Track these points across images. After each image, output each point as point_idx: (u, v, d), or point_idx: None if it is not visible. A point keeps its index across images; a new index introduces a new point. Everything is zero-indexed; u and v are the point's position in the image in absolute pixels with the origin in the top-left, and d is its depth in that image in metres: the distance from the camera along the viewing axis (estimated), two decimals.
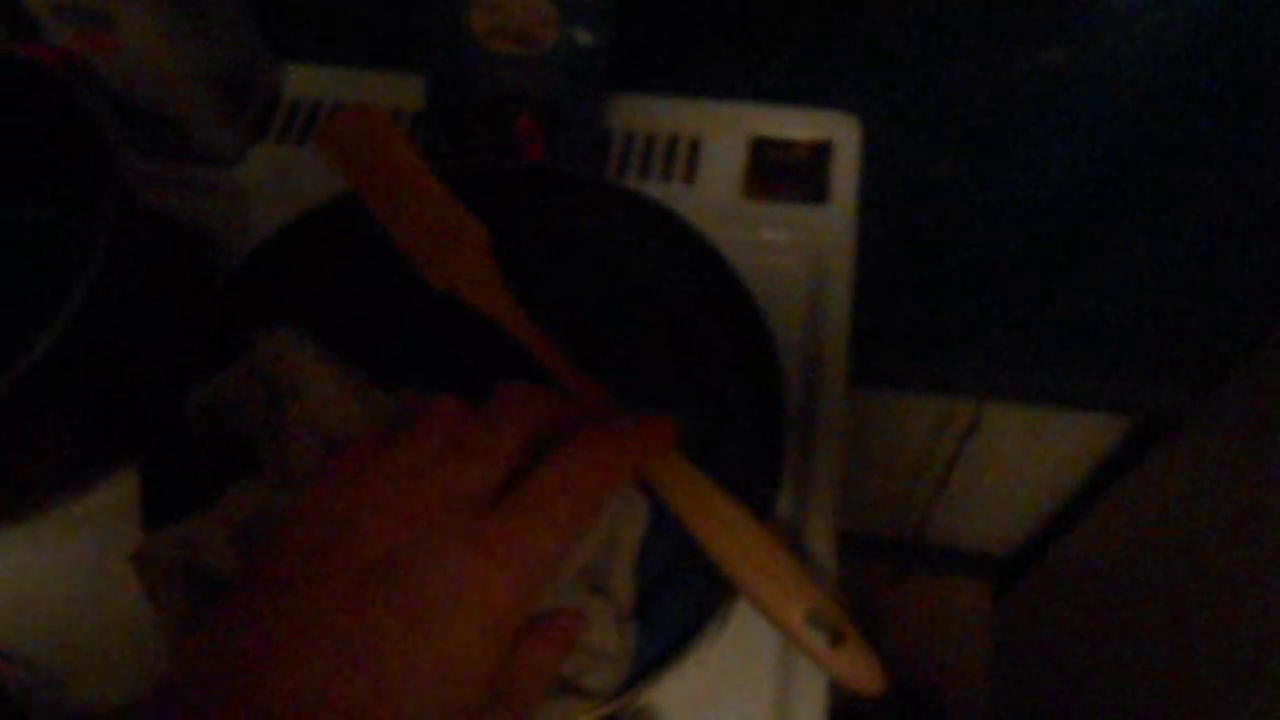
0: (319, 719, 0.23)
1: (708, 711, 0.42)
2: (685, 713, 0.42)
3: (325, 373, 0.37)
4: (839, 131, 0.55)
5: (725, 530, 0.34)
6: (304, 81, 0.59)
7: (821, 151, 0.55)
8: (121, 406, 0.45)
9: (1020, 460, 0.94)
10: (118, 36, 0.48)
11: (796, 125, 0.55)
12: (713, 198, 0.54)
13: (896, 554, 1.17)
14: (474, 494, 0.28)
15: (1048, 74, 0.50)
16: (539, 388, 0.33)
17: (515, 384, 0.32)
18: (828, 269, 0.51)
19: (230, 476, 0.38)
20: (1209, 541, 0.78)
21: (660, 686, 0.38)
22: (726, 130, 0.56)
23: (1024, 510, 1.06)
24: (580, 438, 0.30)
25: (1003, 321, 0.73)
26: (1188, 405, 0.78)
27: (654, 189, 0.53)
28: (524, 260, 0.46)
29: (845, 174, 0.54)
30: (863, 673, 0.32)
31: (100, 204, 0.40)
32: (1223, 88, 0.51)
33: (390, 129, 0.45)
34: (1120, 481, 0.91)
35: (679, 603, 0.38)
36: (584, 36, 0.49)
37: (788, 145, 0.55)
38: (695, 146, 0.55)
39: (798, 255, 0.52)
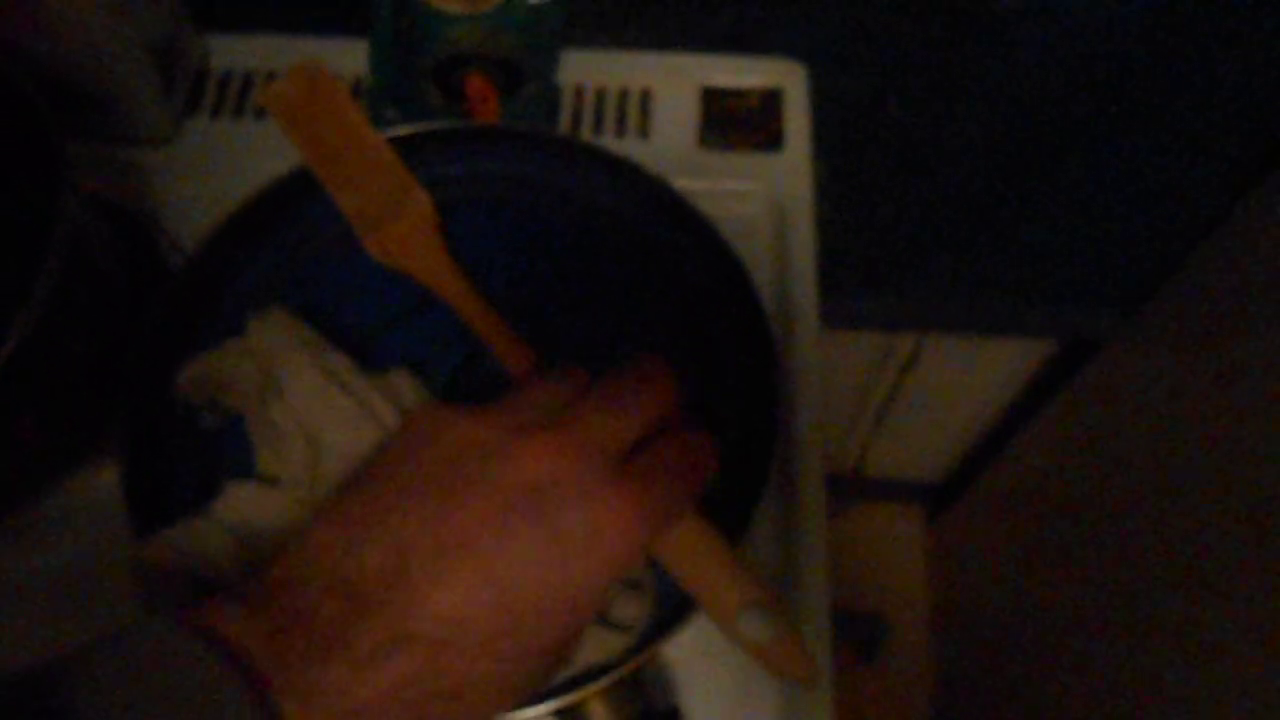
0: (456, 644, 0.24)
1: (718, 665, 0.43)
2: (698, 667, 0.42)
3: (310, 367, 0.35)
4: (787, 79, 0.56)
5: None
6: (232, 52, 0.57)
7: (772, 99, 0.55)
8: (93, 397, 0.43)
9: (955, 389, 0.97)
10: (45, 12, 0.45)
11: (745, 73, 0.56)
12: (669, 150, 0.54)
13: (835, 488, 1.20)
14: (616, 446, 0.28)
15: (998, 16, 0.51)
16: (669, 367, 0.33)
17: (655, 356, 0.33)
18: (788, 213, 0.52)
19: (212, 461, 0.37)
20: (1135, 454, 0.83)
21: (676, 638, 0.39)
22: (676, 81, 0.56)
23: (957, 437, 1.10)
24: (688, 434, 0.31)
25: (943, 254, 0.76)
26: (1114, 327, 0.82)
27: (610, 144, 0.53)
28: (485, 224, 0.45)
29: (797, 120, 0.55)
30: (796, 664, 0.32)
31: (54, 195, 0.38)
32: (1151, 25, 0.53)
33: (337, 90, 0.44)
34: (1049, 402, 0.96)
35: None
36: None
37: (738, 94, 0.55)
38: (646, 99, 0.55)
39: (758, 202, 0.53)
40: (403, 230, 0.42)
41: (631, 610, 0.34)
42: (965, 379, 0.95)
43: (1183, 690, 0.73)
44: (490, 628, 0.24)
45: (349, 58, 0.56)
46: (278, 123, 0.43)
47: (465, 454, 0.27)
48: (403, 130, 0.48)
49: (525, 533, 0.25)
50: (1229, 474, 0.70)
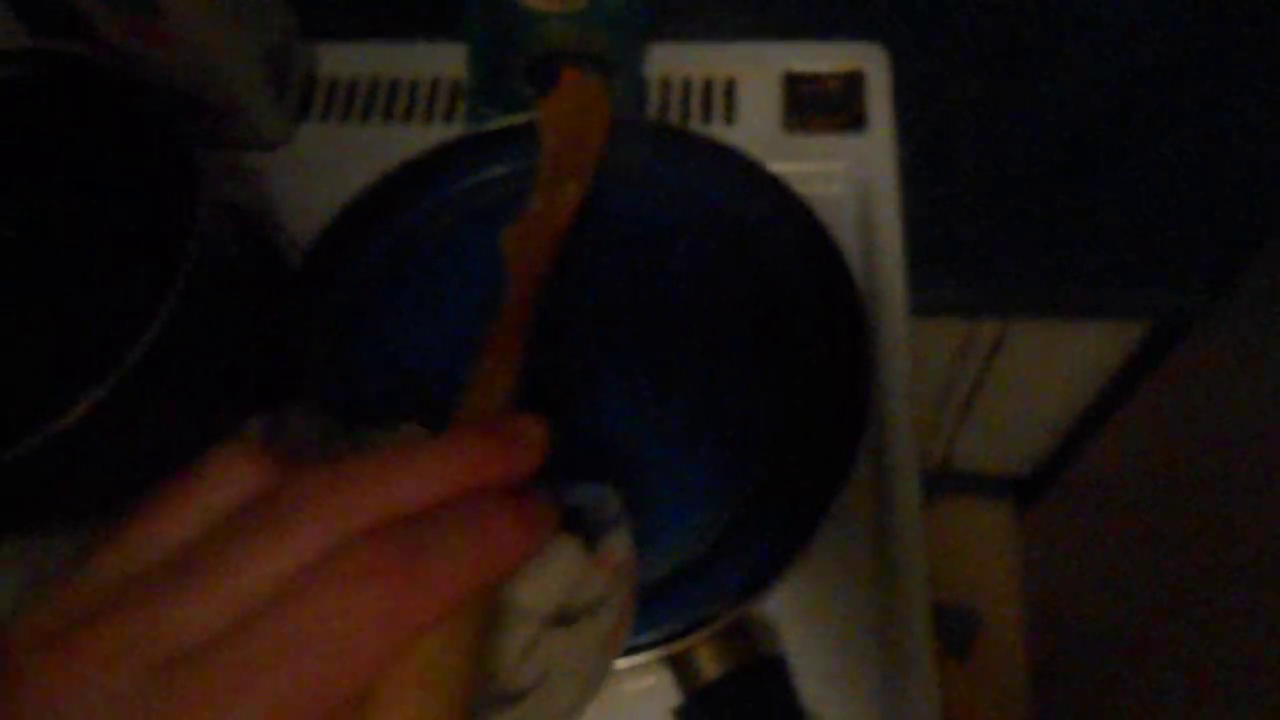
0: None
1: (815, 621, 0.44)
2: (793, 622, 0.44)
3: None
4: (868, 61, 0.57)
5: None
6: (338, 59, 0.60)
7: (853, 81, 0.56)
8: (227, 381, 0.46)
9: (1042, 376, 0.96)
10: (167, 25, 0.49)
11: (825, 58, 0.57)
12: (754, 135, 0.55)
13: (922, 482, 1.20)
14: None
15: None
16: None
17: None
18: (874, 194, 0.53)
19: None
20: (1233, 435, 0.81)
21: (766, 598, 0.40)
22: (758, 69, 0.57)
23: (1046, 427, 1.09)
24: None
25: (1025, 236, 0.76)
26: (1203, 306, 0.81)
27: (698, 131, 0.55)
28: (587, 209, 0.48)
29: (879, 102, 0.56)
30: None
31: (189, 198, 0.41)
32: None
33: (604, 98, 0.50)
34: (1139, 387, 0.94)
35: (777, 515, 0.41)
36: None
37: (819, 78, 0.57)
38: (730, 88, 0.57)
39: (844, 183, 0.54)
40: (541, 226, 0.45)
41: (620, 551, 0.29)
42: (1052, 365, 0.94)
43: None
44: None
45: (446, 60, 0.59)
46: (543, 124, 0.49)
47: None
48: (505, 122, 0.51)
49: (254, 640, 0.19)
50: None
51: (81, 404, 0.36)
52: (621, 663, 0.37)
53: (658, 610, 0.38)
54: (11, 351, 0.48)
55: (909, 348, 0.49)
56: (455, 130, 0.57)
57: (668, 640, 0.37)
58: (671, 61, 0.58)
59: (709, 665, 0.36)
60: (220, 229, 0.47)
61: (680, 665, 0.37)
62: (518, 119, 0.51)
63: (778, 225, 0.47)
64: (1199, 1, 0.54)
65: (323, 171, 0.57)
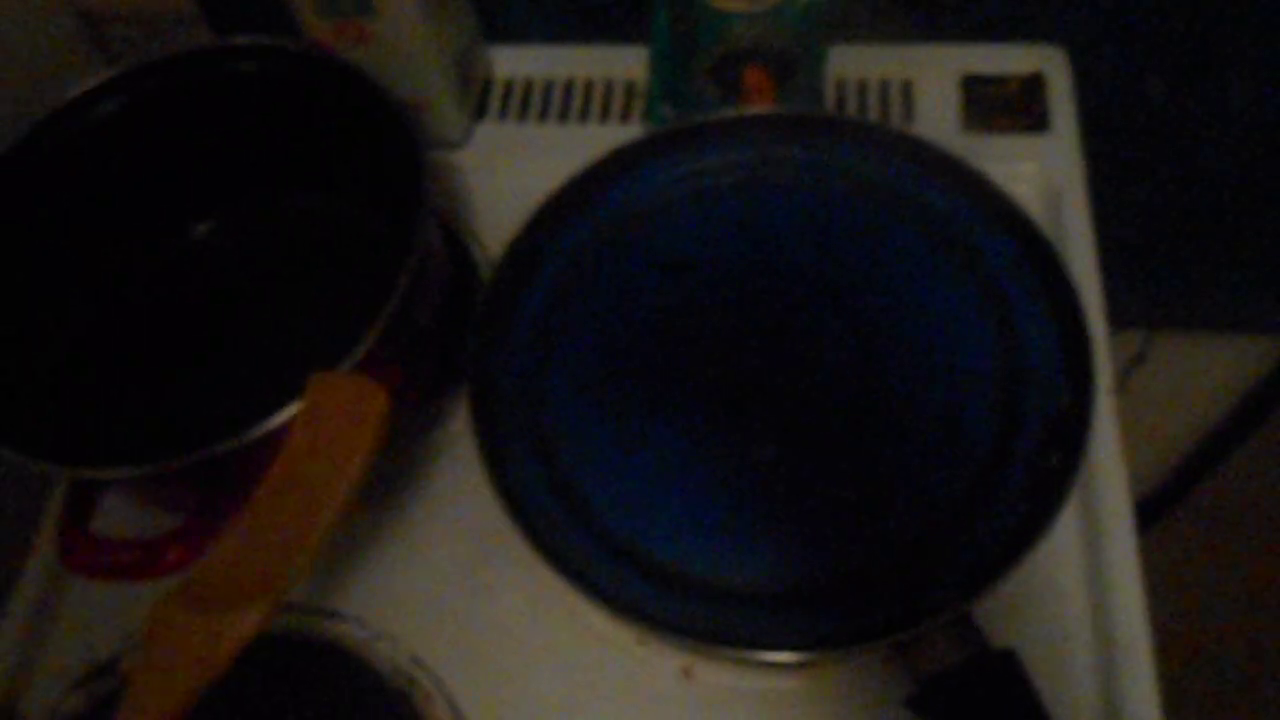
0: None
1: (1026, 616, 0.43)
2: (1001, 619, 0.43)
3: None
4: (1049, 63, 0.56)
5: None
6: (513, 61, 0.61)
7: (1033, 83, 0.56)
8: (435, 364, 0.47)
9: (1178, 393, 0.94)
10: (377, 24, 0.50)
11: (1004, 60, 0.57)
12: (934, 135, 0.55)
13: None
14: None
15: None
16: None
17: None
18: (1061, 195, 0.53)
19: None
20: None
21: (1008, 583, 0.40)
22: (935, 71, 0.57)
23: (1172, 447, 1.06)
24: None
25: (1171, 245, 0.74)
26: None
27: None
28: (783, 203, 0.49)
29: (1062, 102, 0.55)
30: None
31: (415, 198, 0.43)
32: None
33: (382, 404, 0.38)
34: (1273, 410, 0.91)
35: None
36: None
37: (999, 81, 0.57)
38: (907, 89, 0.57)
39: (1030, 184, 0.53)
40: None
41: None
42: (1192, 380, 0.92)
43: None
44: None
45: (622, 62, 0.60)
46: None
47: None
48: (697, 120, 0.51)
49: None
50: None
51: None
52: (847, 652, 0.37)
53: (889, 597, 0.38)
54: (237, 347, 0.50)
55: (1109, 360, 0.49)
56: (631, 131, 0.58)
57: (901, 628, 0.37)
58: (848, 63, 0.58)
59: (943, 654, 0.36)
60: (432, 229, 0.49)
61: (912, 653, 0.37)
62: (706, 116, 0.52)
63: (977, 218, 0.47)
64: None
65: (500, 169, 0.58)
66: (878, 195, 0.50)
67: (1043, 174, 0.53)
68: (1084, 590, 0.44)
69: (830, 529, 0.42)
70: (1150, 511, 1.18)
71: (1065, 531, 0.45)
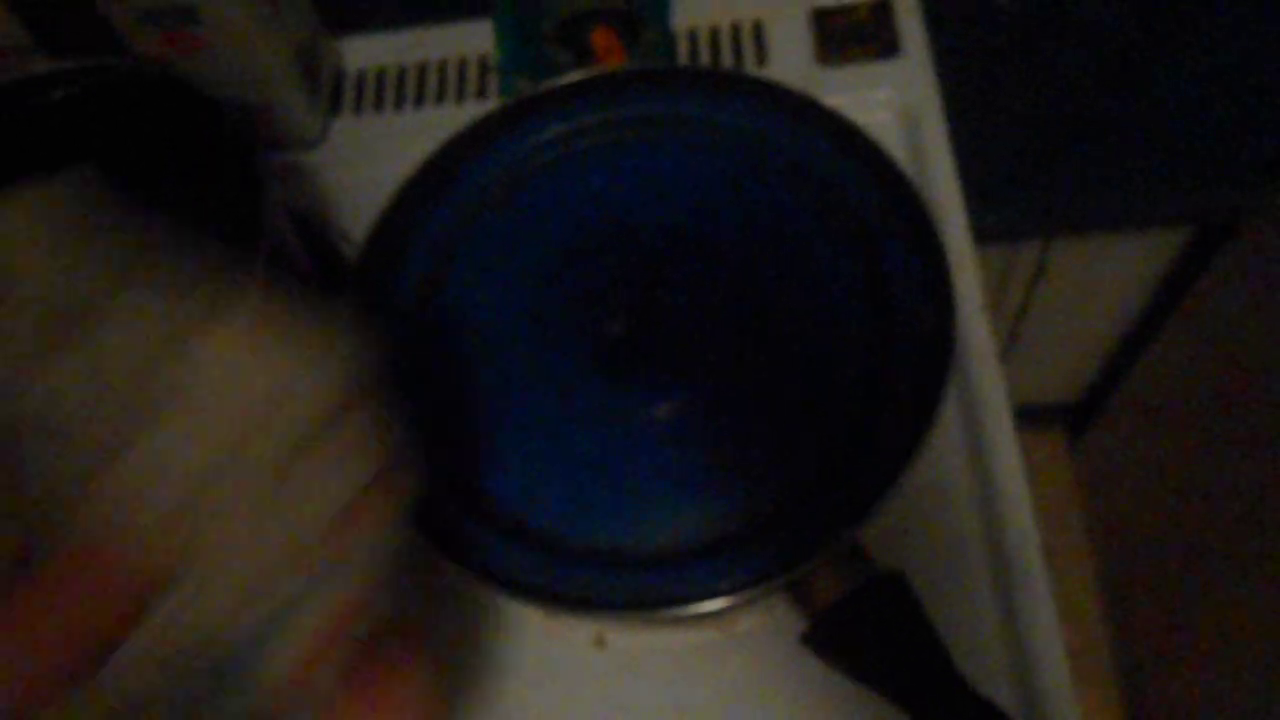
0: None
1: (924, 540, 0.44)
2: (900, 545, 0.44)
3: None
4: None
5: None
6: (363, 52, 0.60)
7: (881, 9, 0.56)
8: None
9: (1086, 297, 0.96)
10: (205, 32, 0.49)
11: None
12: (789, 72, 0.55)
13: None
14: None
15: None
16: None
17: None
18: (919, 118, 0.53)
19: None
20: None
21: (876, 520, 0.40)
22: (784, 8, 0.57)
23: (1092, 350, 1.08)
24: None
25: (1063, 153, 0.75)
26: (1249, 206, 0.80)
27: None
28: (648, 162, 0.48)
29: (910, 25, 0.55)
30: None
31: (255, 203, 0.42)
32: None
33: None
34: (1185, 299, 0.93)
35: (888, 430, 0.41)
36: None
37: (847, 10, 0.56)
38: (758, 30, 0.57)
39: (887, 110, 0.53)
40: None
41: None
42: (1096, 284, 0.93)
43: None
44: None
45: (470, 39, 0.59)
46: None
47: None
48: (546, 86, 0.51)
49: None
50: None
51: None
52: (744, 599, 0.37)
53: (774, 542, 0.38)
54: None
55: (976, 272, 0.49)
56: (489, 106, 0.57)
57: (786, 569, 0.37)
58: (697, 11, 0.58)
59: (831, 588, 0.36)
60: (282, 231, 0.47)
61: (802, 592, 0.37)
62: (556, 82, 0.51)
63: (835, 155, 0.47)
64: None
65: (362, 162, 0.57)
66: (738, 141, 0.50)
67: (898, 99, 0.53)
68: (974, 504, 0.44)
69: (725, 481, 0.42)
70: (1082, 415, 1.20)
71: (952, 450, 0.46)
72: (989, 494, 0.44)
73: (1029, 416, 1.22)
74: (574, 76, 0.51)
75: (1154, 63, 0.65)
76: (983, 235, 0.82)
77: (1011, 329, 0.99)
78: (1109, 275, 0.92)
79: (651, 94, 0.51)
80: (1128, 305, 0.98)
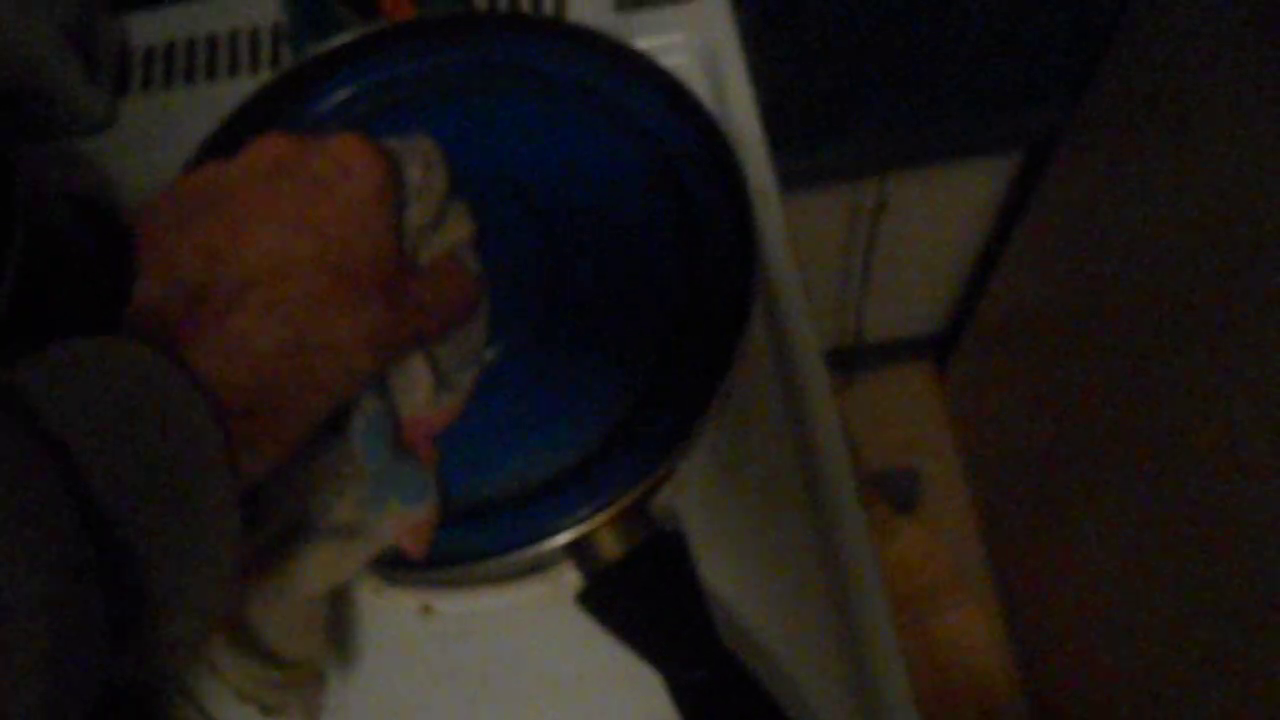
0: (287, 272, 0.30)
1: (733, 496, 0.44)
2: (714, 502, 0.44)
3: None
4: None
5: None
6: (148, 27, 0.57)
7: None
8: None
9: (930, 228, 0.98)
10: None
11: None
12: (588, 17, 0.54)
13: (842, 360, 1.22)
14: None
15: None
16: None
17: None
18: (720, 61, 0.53)
19: None
20: (1117, 245, 0.84)
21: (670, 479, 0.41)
22: None
23: (944, 280, 1.11)
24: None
25: (884, 84, 0.76)
26: (1064, 122, 0.83)
27: None
28: (458, 112, 0.47)
29: None
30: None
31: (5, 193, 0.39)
32: None
33: None
34: (1023, 219, 0.96)
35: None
36: None
37: None
38: None
39: (688, 54, 0.53)
40: None
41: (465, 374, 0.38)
42: (937, 214, 0.96)
43: (1209, 485, 0.74)
44: (302, 251, 0.30)
45: (258, 7, 0.57)
46: None
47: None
48: (334, 43, 0.49)
49: (286, 186, 0.31)
50: (1195, 247, 0.71)
51: None
52: (527, 555, 0.37)
53: (562, 501, 0.38)
54: None
55: (780, 210, 0.50)
56: None
57: (570, 525, 0.37)
58: None
59: (609, 547, 0.36)
60: (51, 219, 0.45)
61: (582, 551, 0.37)
62: (345, 38, 0.50)
63: (639, 94, 0.47)
64: None
65: (157, 141, 0.55)
66: (546, 86, 0.49)
67: (698, 40, 0.53)
68: (788, 439, 0.45)
69: (541, 427, 0.42)
70: (946, 345, 1.24)
71: (764, 385, 0.46)
72: (803, 429, 0.45)
73: (895, 350, 1.25)
74: (361, 32, 0.50)
75: None
76: (819, 174, 0.84)
77: (863, 265, 1.01)
78: (948, 204, 0.95)
79: (451, 42, 0.50)
80: (971, 233, 1.01)
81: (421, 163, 0.37)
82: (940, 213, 0.95)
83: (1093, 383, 0.93)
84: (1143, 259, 0.80)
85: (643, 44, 0.53)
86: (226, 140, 0.47)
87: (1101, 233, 0.86)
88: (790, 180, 0.83)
